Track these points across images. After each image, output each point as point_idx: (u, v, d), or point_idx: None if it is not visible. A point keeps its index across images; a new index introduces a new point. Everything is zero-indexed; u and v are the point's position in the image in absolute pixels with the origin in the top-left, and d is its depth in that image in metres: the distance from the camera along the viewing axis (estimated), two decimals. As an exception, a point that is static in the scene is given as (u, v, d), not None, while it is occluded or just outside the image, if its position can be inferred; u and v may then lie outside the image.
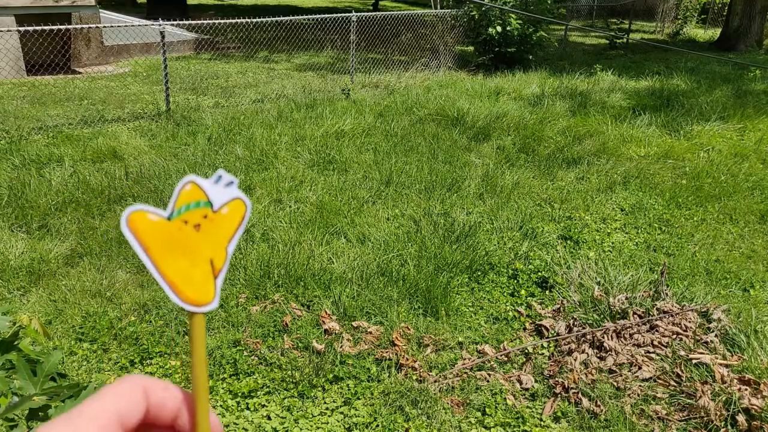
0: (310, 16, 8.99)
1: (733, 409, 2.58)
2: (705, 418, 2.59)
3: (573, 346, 3.08)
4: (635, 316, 3.22)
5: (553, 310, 3.43)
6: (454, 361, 3.02)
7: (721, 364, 2.86)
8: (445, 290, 3.54)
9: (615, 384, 2.83)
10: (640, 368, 2.90)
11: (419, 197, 4.88)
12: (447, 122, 6.92)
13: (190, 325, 0.42)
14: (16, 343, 1.10)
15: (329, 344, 3.06)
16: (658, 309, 3.27)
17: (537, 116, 7.23)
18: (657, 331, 3.13)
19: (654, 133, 6.85)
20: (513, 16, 10.02)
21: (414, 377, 2.89)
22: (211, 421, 0.41)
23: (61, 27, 6.48)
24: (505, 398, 2.78)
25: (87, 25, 7.23)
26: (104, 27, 7.45)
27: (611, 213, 4.78)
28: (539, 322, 3.32)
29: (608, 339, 3.06)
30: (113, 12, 10.45)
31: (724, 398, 2.63)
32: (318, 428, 2.61)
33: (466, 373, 2.92)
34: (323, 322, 3.22)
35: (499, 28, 10.07)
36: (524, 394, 2.83)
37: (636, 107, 7.85)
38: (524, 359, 3.05)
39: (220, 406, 2.69)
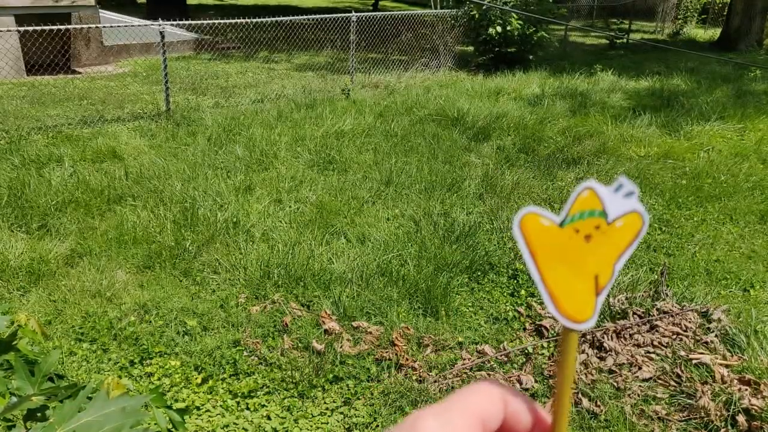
0: (310, 16, 8.99)
1: (733, 409, 2.57)
2: (705, 419, 2.59)
3: (573, 346, 3.07)
4: (635, 316, 3.22)
5: (553, 310, 3.43)
6: (453, 361, 3.02)
7: (721, 365, 2.86)
8: (445, 290, 3.54)
9: (615, 384, 2.83)
10: (640, 368, 2.90)
11: (419, 197, 4.88)
12: (447, 122, 6.92)
13: (562, 340, 0.40)
14: (14, 343, 1.09)
15: (329, 344, 3.06)
16: (658, 309, 3.27)
17: (537, 116, 7.23)
18: (657, 331, 3.12)
19: (654, 133, 6.84)
20: (513, 16, 10.02)
21: (414, 377, 2.88)
22: None
23: (61, 27, 6.48)
24: (505, 398, 2.77)
25: (87, 25, 7.24)
26: (104, 27, 7.46)
27: (611, 213, 4.77)
28: (539, 323, 3.32)
29: (608, 339, 3.06)
30: (113, 12, 10.45)
31: (724, 398, 2.63)
32: (318, 428, 2.60)
33: (465, 373, 2.92)
34: (323, 322, 3.22)
35: (499, 28, 10.06)
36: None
37: (636, 107, 7.85)
38: (524, 359, 3.05)
39: (220, 406, 2.69)
